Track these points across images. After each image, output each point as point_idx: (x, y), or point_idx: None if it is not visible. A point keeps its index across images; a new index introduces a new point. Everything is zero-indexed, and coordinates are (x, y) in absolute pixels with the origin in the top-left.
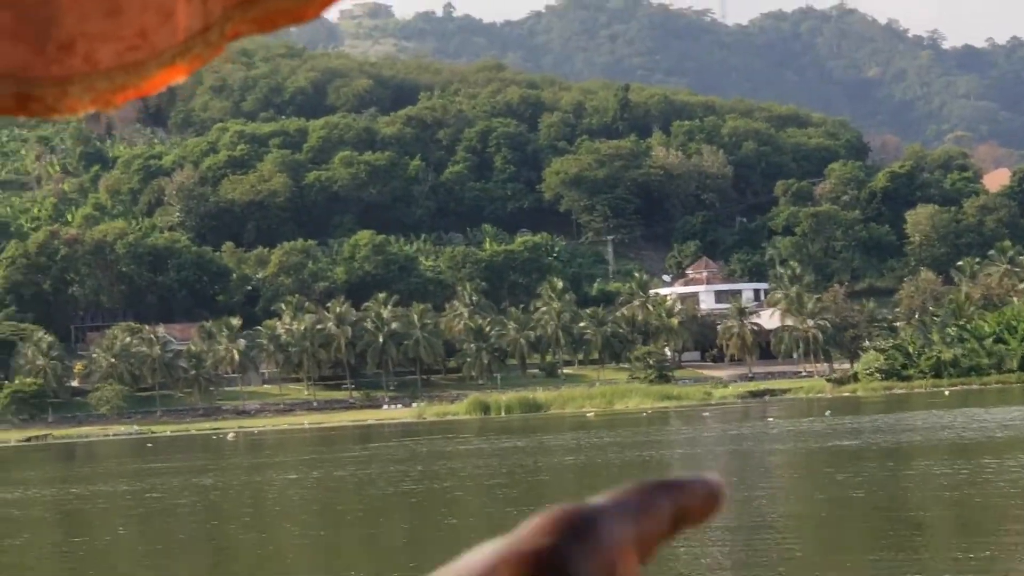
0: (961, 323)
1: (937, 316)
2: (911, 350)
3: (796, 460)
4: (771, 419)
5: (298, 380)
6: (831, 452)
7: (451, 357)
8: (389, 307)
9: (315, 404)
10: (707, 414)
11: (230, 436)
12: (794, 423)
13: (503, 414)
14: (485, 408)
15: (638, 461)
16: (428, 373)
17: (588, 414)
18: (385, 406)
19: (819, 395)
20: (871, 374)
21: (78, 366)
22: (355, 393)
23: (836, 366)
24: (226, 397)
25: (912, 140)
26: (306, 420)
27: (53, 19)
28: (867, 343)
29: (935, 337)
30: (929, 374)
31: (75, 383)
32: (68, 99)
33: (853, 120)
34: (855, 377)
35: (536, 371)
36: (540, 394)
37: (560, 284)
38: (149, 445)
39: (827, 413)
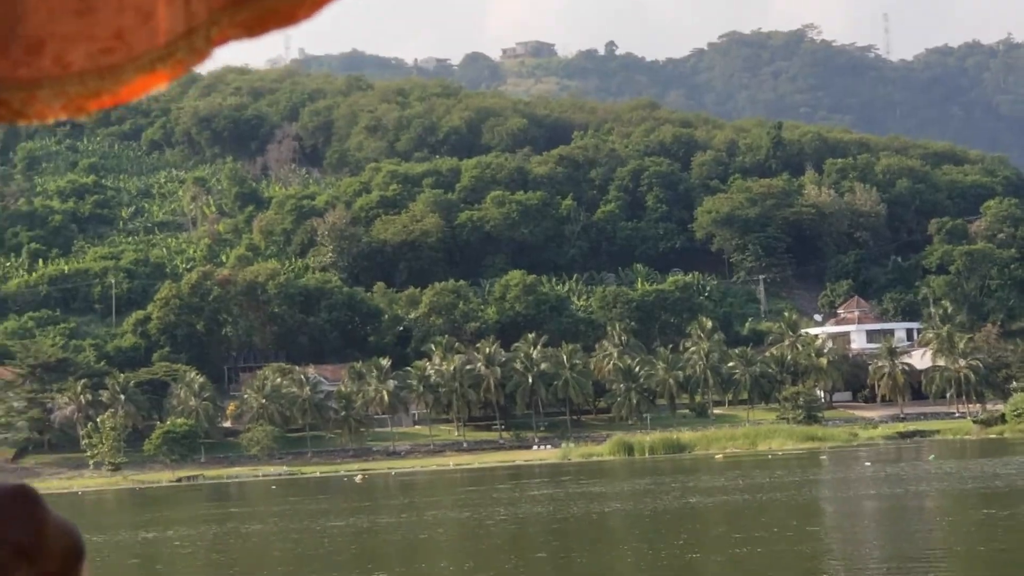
0: None
1: None
2: None
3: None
4: (868, 463)
5: (448, 421)
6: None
7: (601, 397)
8: (539, 347)
9: (465, 445)
10: (824, 456)
11: (357, 479)
12: (909, 466)
13: (647, 454)
14: (629, 449)
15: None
16: (578, 414)
17: (717, 456)
18: (535, 447)
19: (965, 436)
20: (1019, 415)
21: (230, 407)
22: (505, 434)
23: (989, 407)
24: (376, 438)
25: None
26: (452, 461)
27: (19, 17)
28: (1015, 383)
29: None
30: None
31: (227, 424)
32: (37, 104)
33: (1019, 156)
34: (1003, 418)
35: (686, 411)
36: (684, 434)
37: (709, 324)
38: (274, 486)
39: (931, 457)
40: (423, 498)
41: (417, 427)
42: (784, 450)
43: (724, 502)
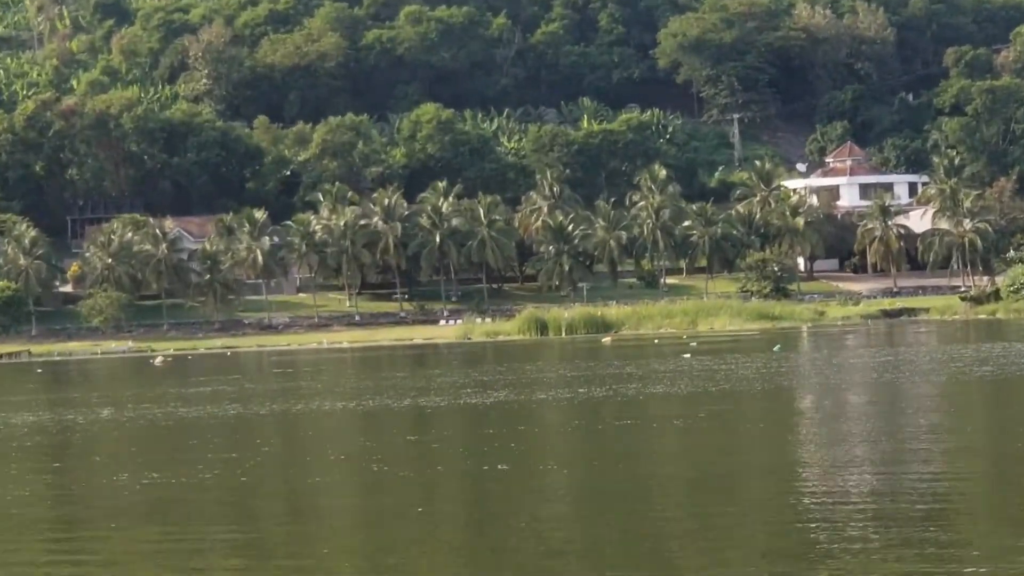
0: None
1: None
2: None
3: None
4: (688, 355)
5: (338, 288)
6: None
7: (527, 262)
8: (451, 198)
9: (357, 318)
10: (776, 346)
11: (157, 360)
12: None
13: (563, 334)
14: (542, 327)
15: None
16: (498, 282)
17: (604, 340)
18: (443, 322)
19: (953, 317)
20: (1017, 291)
21: (72, 268)
22: (407, 305)
23: (1000, 280)
24: (249, 308)
25: None
26: (341, 338)
27: None
28: (1012, 253)
29: None
30: None
31: (67, 288)
32: None
33: None
34: (996, 295)
35: (632, 281)
36: (610, 310)
37: (663, 173)
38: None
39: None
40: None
41: (300, 295)
42: (726, 332)
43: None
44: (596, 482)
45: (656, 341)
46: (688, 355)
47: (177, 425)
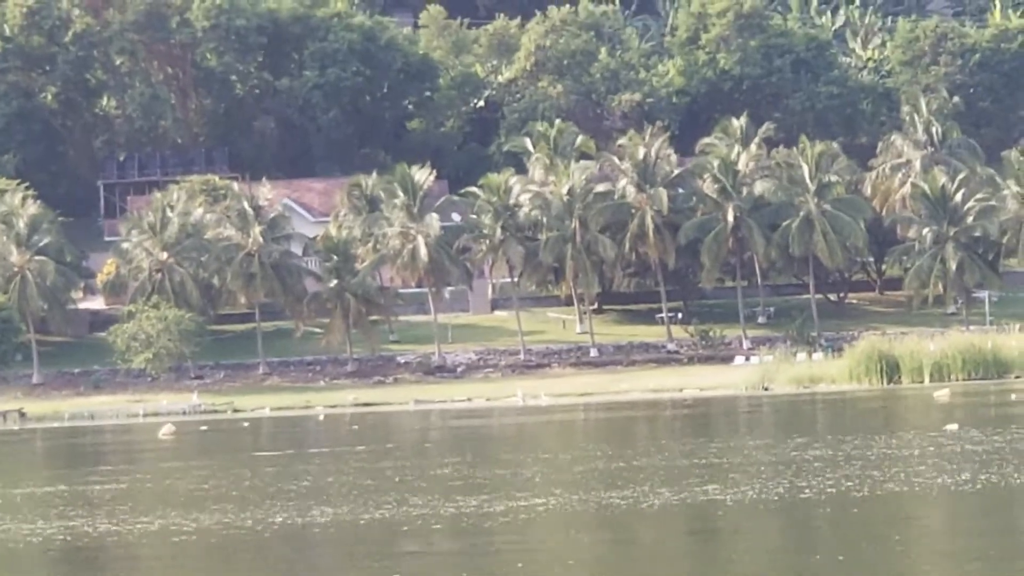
0: None
1: None
2: None
3: None
4: None
5: (561, 302)
6: None
7: (885, 256)
8: (752, 147)
9: (593, 353)
10: None
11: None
12: None
13: (927, 380)
14: (890, 369)
15: None
16: (839, 289)
17: (937, 394)
18: (740, 358)
19: None
20: None
21: (106, 266)
22: (680, 330)
23: None
24: (405, 337)
25: None
26: (561, 385)
27: None
28: None
29: None
30: None
31: (95, 304)
32: None
33: None
34: None
35: None
36: (1012, 339)
37: None
38: None
39: None
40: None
41: (496, 314)
42: None
43: None
44: None
45: None
46: None
47: None
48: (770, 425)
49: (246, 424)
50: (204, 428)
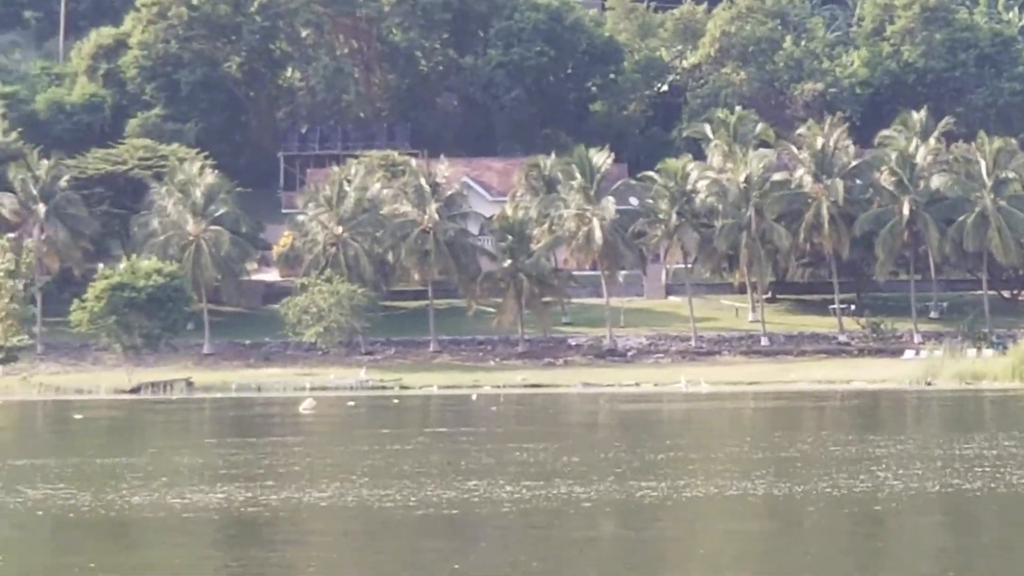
0: None
1: None
2: None
3: None
4: None
5: (735, 289)
6: None
7: None
8: (931, 140)
9: (764, 342)
10: None
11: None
12: None
13: None
14: None
15: None
16: (1013, 287)
17: None
18: (910, 352)
19: None
20: None
21: (283, 238)
22: (852, 322)
23: None
24: (578, 320)
25: None
26: (727, 374)
27: None
28: None
29: None
30: None
31: (270, 275)
32: None
33: None
34: None
35: None
36: None
37: None
38: None
39: None
40: None
41: (670, 300)
42: None
43: None
44: None
45: None
46: None
47: None
48: (934, 420)
49: (396, 401)
50: (351, 404)
